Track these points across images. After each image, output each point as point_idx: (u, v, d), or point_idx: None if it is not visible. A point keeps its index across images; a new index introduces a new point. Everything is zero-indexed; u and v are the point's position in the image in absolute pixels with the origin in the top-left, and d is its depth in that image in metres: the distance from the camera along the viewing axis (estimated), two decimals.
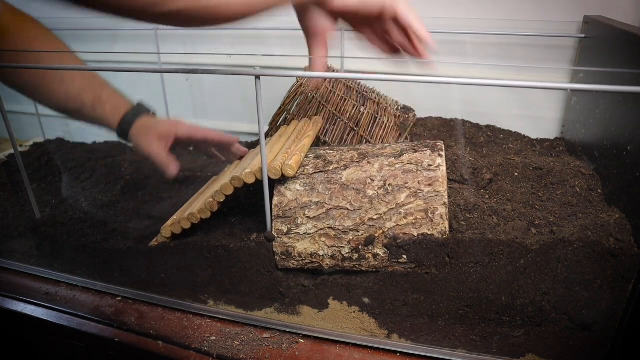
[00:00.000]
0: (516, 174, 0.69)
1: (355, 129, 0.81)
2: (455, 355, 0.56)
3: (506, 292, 0.52)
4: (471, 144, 0.85)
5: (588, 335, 0.52)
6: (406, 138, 0.83)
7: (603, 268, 0.49)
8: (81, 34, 1.19)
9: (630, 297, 0.47)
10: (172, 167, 0.70)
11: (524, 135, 0.90)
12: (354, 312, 0.58)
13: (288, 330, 0.61)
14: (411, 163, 0.56)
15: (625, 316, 0.48)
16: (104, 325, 0.66)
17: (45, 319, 0.68)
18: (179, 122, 0.74)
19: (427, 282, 0.54)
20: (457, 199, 0.62)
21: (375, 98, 0.85)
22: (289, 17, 0.56)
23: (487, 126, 0.93)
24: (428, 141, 0.61)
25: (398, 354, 0.57)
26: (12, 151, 1.08)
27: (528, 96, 0.91)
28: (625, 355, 0.49)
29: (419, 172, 0.55)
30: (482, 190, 0.67)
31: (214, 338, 0.61)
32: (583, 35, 0.82)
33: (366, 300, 0.57)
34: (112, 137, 1.16)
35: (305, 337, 0.60)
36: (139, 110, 0.73)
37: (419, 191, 0.54)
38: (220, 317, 0.64)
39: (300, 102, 0.81)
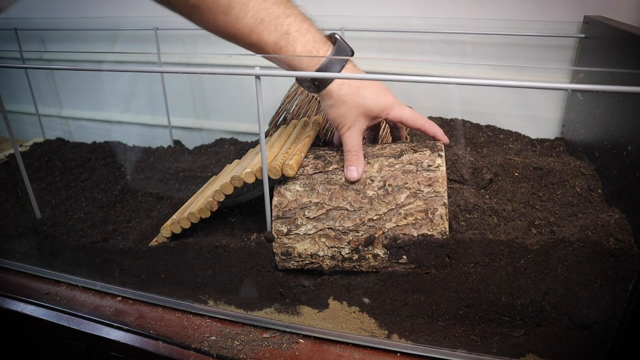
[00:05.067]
0: (516, 174, 0.69)
1: None
2: (455, 355, 0.56)
3: (506, 292, 0.52)
4: (471, 144, 0.85)
5: (588, 335, 0.52)
6: (406, 138, 0.83)
7: (603, 268, 0.49)
8: (81, 34, 1.19)
9: (630, 297, 0.47)
10: (357, 170, 0.55)
11: (524, 135, 0.90)
12: (354, 312, 0.58)
13: (288, 330, 0.61)
14: (411, 163, 0.56)
15: (625, 316, 0.48)
16: (104, 325, 0.66)
17: (45, 319, 0.68)
18: (393, 102, 0.57)
19: (427, 282, 0.54)
20: (457, 199, 0.62)
21: None
22: None
23: (487, 126, 0.92)
24: (428, 141, 0.61)
25: (398, 354, 0.57)
26: (12, 151, 1.08)
27: (528, 96, 0.91)
28: (625, 355, 0.49)
29: (418, 173, 0.55)
30: (482, 190, 0.67)
31: (214, 338, 0.61)
32: (583, 35, 0.82)
33: (366, 300, 0.57)
34: (112, 137, 1.17)
35: (305, 337, 0.60)
36: (341, 54, 0.55)
37: (418, 191, 0.54)
38: (220, 317, 0.64)
39: (300, 102, 0.81)
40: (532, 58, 0.89)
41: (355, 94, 0.54)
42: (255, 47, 0.53)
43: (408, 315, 0.56)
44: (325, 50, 0.53)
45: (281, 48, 0.51)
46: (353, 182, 0.56)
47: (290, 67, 0.54)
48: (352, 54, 0.55)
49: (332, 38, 0.56)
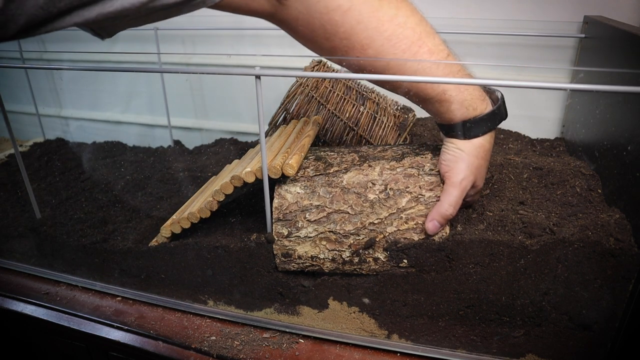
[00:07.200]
0: (516, 174, 0.69)
1: (355, 128, 0.81)
2: (455, 355, 0.56)
3: (506, 293, 0.52)
4: None
5: (588, 335, 0.52)
6: (405, 138, 0.83)
7: (603, 268, 0.49)
8: (81, 34, 1.18)
9: (630, 297, 0.47)
10: (439, 227, 0.53)
11: (524, 135, 0.90)
12: (354, 312, 0.58)
13: (288, 330, 0.61)
14: (412, 167, 0.56)
15: (625, 316, 0.48)
16: (104, 325, 0.66)
17: (45, 319, 0.68)
18: (482, 185, 0.58)
19: (427, 283, 0.54)
20: None
21: (375, 98, 0.85)
22: None
23: None
24: (429, 143, 0.61)
25: (398, 354, 0.57)
26: (12, 151, 1.08)
27: (528, 96, 0.91)
28: (625, 355, 0.49)
29: (420, 177, 0.55)
30: (482, 190, 0.67)
31: (214, 338, 0.61)
32: (583, 35, 0.82)
33: (366, 300, 0.57)
34: (112, 137, 1.17)
35: (305, 337, 0.61)
36: (495, 119, 0.54)
37: (420, 196, 0.54)
38: (220, 317, 0.64)
39: (300, 102, 0.81)
40: (532, 58, 0.89)
41: (485, 159, 0.55)
42: (416, 102, 0.55)
43: (408, 315, 0.56)
44: (483, 108, 0.53)
45: (441, 104, 0.52)
46: (431, 234, 0.53)
47: (439, 113, 0.54)
48: (506, 117, 0.55)
49: (493, 95, 0.56)
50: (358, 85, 0.86)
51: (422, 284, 0.54)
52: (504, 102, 0.55)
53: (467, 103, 0.52)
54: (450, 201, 0.52)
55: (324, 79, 0.82)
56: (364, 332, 0.59)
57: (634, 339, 0.47)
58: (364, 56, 0.50)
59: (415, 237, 0.53)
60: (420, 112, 0.93)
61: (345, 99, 0.83)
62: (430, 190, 0.54)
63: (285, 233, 0.56)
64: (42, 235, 0.73)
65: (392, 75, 0.50)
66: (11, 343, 0.79)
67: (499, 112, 0.54)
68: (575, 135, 0.81)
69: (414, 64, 0.50)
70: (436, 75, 0.51)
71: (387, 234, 0.54)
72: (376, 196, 0.55)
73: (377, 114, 0.83)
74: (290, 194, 0.57)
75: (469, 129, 0.53)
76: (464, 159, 0.53)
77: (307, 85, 0.81)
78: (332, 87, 0.82)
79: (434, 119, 0.57)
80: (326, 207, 0.55)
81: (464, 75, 0.53)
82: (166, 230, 0.65)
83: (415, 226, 0.53)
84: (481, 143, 0.54)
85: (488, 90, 0.56)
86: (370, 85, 0.90)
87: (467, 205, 0.59)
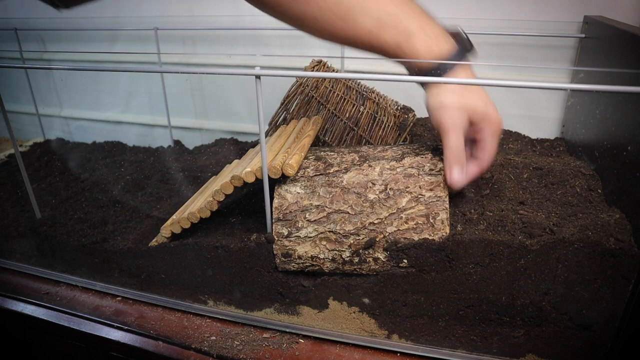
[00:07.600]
0: (516, 174, 0.69)
1: (355, 128, 0.81)
2: (455, 355, 0.56)
3: (506, 293, 0.52)
4: None
5: (588, 335, 0.52)
6: (405, 138, 0.83)
7: (603, 268, 0.49)
8: (81, 34, 1.19)
9: (630, 297, 0.47)
10: (461, 170, 0.52)
11: (524, 135, 0.90)
12: (354, 312, 0.58)
13: (288, 330, 0.61)
14: (412, 167, 0.56)
15: (625, 316, 0.48)
16: (104, 325, 0.66)
17: (45, 319, 0.68)
18: (495, 114, 0.54)
19: (427, 283, 0.54)
20: (457, 199, 0.62)
21: (375, 98, 0.85)
22: None
23: None
24: (429, 143, 0.61)
25: (398, 354, 0.57)
26: (12, 151, 1.08)
27: (528, 96, 0.91)
28: (625, 355, 0.49)
29: (420, 177, 0.55)
30: (482, 190, 0.67)
31: (214, 338, 0.61)
32: (583, 35, 0.82)
33: (366, 300, 0.57)
34: (112, 137, 1.17)
35: (305, 337, 0.61)
36: (461, 51, 0.52)
37: (420, 196, 0.54)
38: (220, 317, 0.64)
39: (300, 102, 0.81)
40: (532, 58, 0.89)
41: (471, 90, 0.53)
42: (375, 49, 0.52)
43: (408, 315, 0.56)
44: (449, 47, 0.51)
45: (400, 47, 0.50)
46: (456, 188, 0.52)
47: (408, 63, 0.53)
48: (472, 48, 0.53)
49: (453, 33, 0.54)
50: (358, 85, 0.86)
51: (422, 284, 0.54)
52: (465, 35, 0.54)
53: (429, 41, 0.50)
54: (448, 146, 0.52)
55: (324, 79, 0.82)
56: (364, 332, 0.59)
57: (634, 339, 0.47)
58: None
59: (415, 237, 0.53)
60: (420, 112, 0.94)
61: (345, 99, 0.83)
62: (430, 190, 0.54)
63: (285, 233, 0.56)
64: (42, 235, 0.73)
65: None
66: (11, 343, 0.79)
67: (463, 46, 0.52)
68: (575, 135, 0.81)
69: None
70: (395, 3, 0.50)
71: (387, 234, 0.54)
72: (376, 196, 0.55)
73: (377, 114, 0.83)
74: (290, 194, 0.57)
75: (437, 69, 0.52)
76: (442, 104, 0.52)
77: (307, 85, 0.81)
78: (332, 87, 0.82)
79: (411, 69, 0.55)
80: (326, 207, 0.55)
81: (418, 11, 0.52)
82: (166, 230, 0.65)
83: (415, 226, 0.53)
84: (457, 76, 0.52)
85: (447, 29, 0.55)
86: (371, 85, 0.90)
87: (493, 150, 0.56)
